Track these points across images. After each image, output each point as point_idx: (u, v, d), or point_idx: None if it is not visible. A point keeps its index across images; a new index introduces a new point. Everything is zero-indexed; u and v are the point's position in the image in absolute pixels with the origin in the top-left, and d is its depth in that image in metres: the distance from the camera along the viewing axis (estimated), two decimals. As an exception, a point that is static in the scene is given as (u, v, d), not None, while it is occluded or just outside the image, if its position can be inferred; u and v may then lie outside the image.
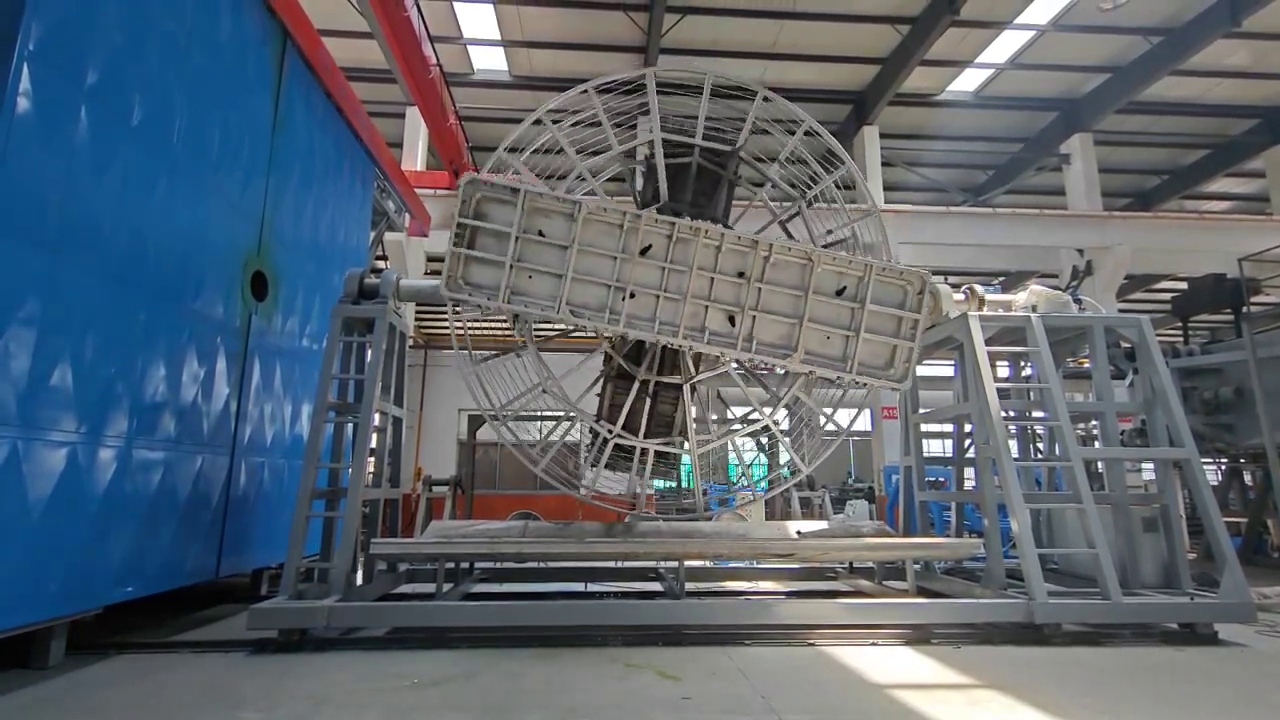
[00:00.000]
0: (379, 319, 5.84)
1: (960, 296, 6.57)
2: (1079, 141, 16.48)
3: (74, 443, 4.16)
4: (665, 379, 5.87)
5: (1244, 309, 9.63)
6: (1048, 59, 14.93)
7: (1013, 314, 6.47)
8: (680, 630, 5.13)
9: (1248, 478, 11.92)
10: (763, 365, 5.55)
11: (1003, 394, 6.43)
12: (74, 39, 4.14)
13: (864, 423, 5.62)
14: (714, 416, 13.21)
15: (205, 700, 3.71)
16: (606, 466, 5.95)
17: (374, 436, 5.89)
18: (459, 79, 14.96)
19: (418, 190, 11.44)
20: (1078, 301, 6.76)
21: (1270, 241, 12.29)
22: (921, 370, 6.13)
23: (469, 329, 5.85)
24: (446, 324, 5.93)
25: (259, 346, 6.35)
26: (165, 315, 5.05)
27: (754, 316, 5.34)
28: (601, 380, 6.19)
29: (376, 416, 5.77)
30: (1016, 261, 18.12)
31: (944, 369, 20.20)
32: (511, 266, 5.22)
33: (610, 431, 5.76)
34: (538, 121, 5.84)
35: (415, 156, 15.10)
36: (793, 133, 6.11)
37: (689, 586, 6.31)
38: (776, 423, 6.10)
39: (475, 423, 10.05)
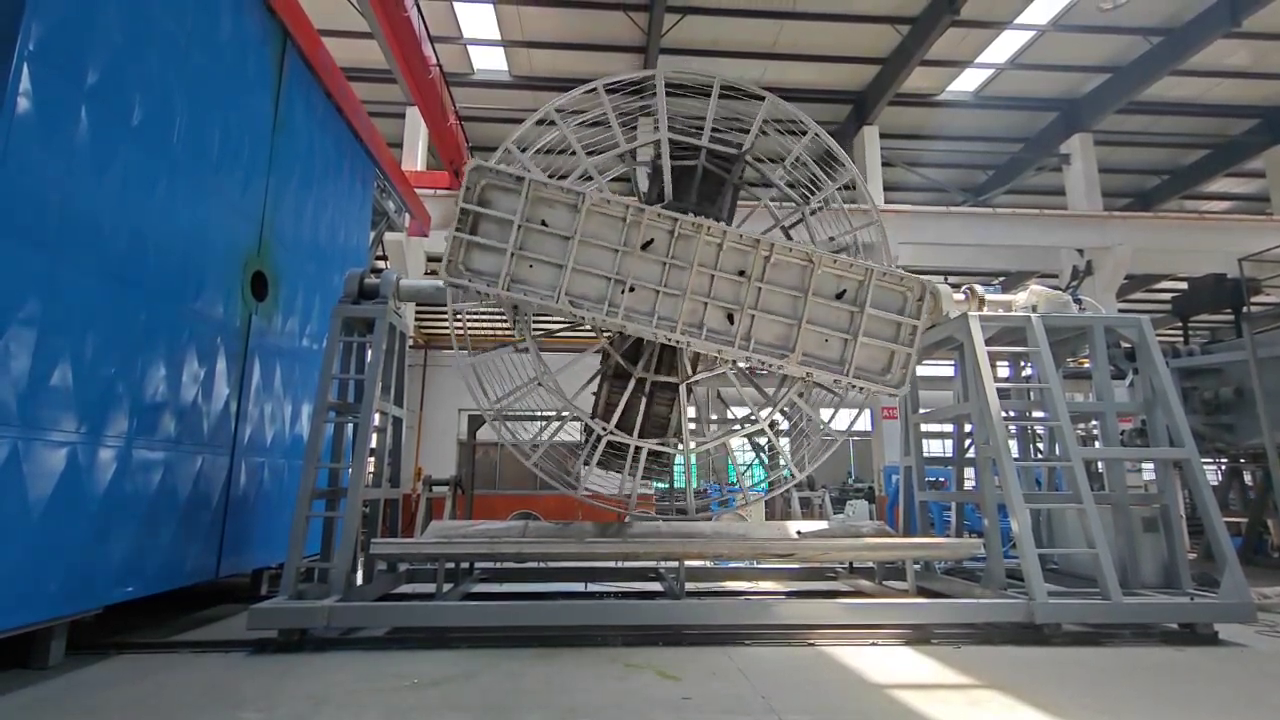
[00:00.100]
0: (379, 319, 5.85)
1: (960, 296, 6.57)
2: (1079, 141, 16.48)
3: (74, 443, 4.16)
4: (662, 378, 5.86)
5: (1244, 309, 9.63)
6: (1048, 59, 14.92)
7: (1013, 314, 6.46)
8: (680, 630, 5.13)
9: (1248, 478, 11.92)
10: (761, 367, 5.54)
11: (1003, 394, 6.43)
12: (74, 39, 4.14)
13: (864, 423, 5.61)
14: (714, 417, 13.22)
15: (205, 700, 3.71)
16: (599, 466, 5.94)
17: (374, 436, 5.89)
18: (459, 79, 14.95)
19: (418, 190, 11.45)
20: (1078, 301, 6.76)
21: (1270, 241, 12.29)
22: (921, 370, 6.14)
23: (469, 329, 5.84)
24: (446, 324, 5.93)
25: (259, 346, 6.35)
26: (165, 315, 5.05)
27: (753, 316, 5.33)
28: (598, 379, 6.19)
29: (376, 416, 5.77)
30: (1016, 261, 18.12)
31: (944, 369, 20.19)
32: (513, 254, 5.22)
33: (604, 429, 5.75)
34: (543, 121, 5.83)
35: (415, 156, 15.10)
36: (795, 134, 6.11)
37: (689, 586, 6.31)
38: (774, 424, 6.10)
39: (475, 423, 10.04)
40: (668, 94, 5.97)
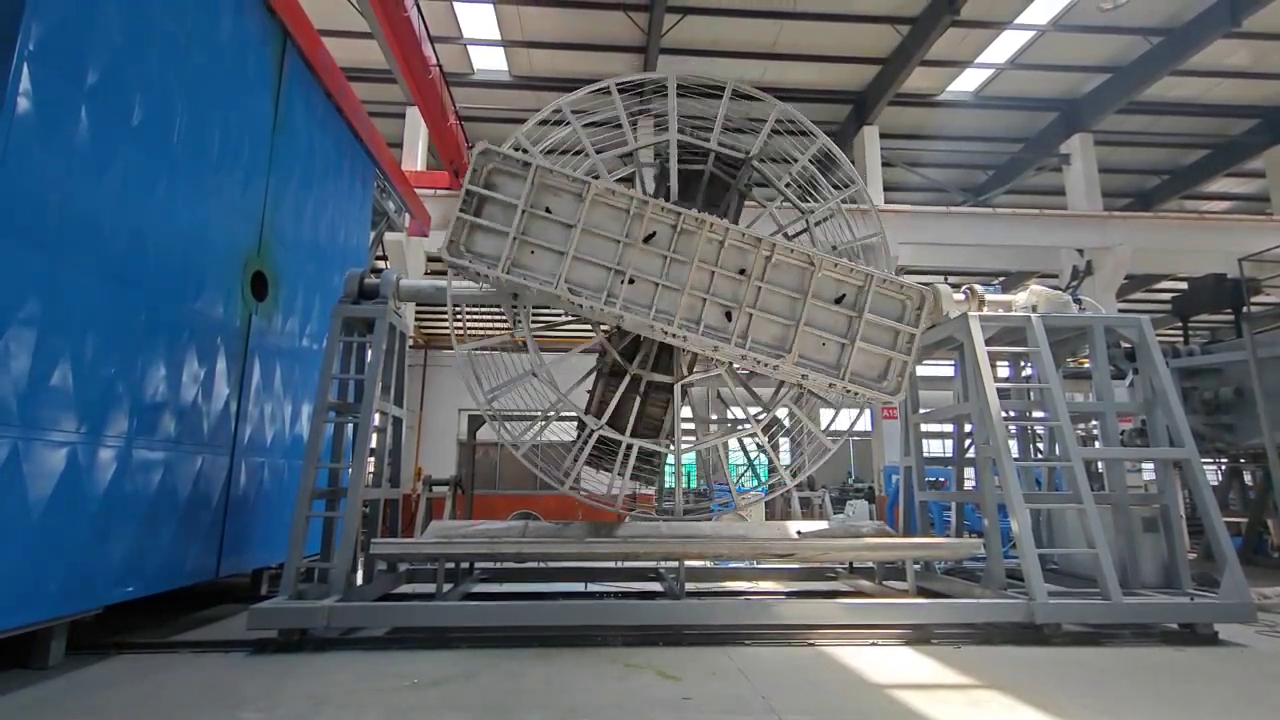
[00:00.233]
0: (379, 319, 5.85)
1: (960, 296, 6.57)
2: (1079, 141, 16.47)
3: (74, 443, 4.16)
4: (657, 377, 5.86)
5: (1244, 309, 9.63)
6: (1048, 59, 14.92)
7: (1013, 314, 6.46)
8: (680, 630, 5.13)
9: (1248, 478, 11.92)
10: (758, 368, 5.52)
11: (1003, 394, 6.43)
12: (74, 39, 4.14)
13: (864, 423, 5.59)
14: (714, 417, 13.21)
15: (205, 700, 3.71)
16: (590, 464, 5.93)
17: (374, 436, 5.89)
18: (459, 79, 14.95)
19: (418, 190, 11.45)
20: (1078, 301, 6.76)
21: (1270, 241, 12.29)
22: (921, 370, 6.13)
23: (468, 327, 5.84)
24: (446, 324, 5.93)
25: (259, 346, 6.35)
26: (165, 315, 5.05)
27: (751, 315, 5.33)
28: (594, 376, 6.19)
29: (376, 416, 5.77)
30: (1016, 261, 18.11)
31: (944, 369, 20.20)
32: (515, 239, 5.22)
33: (597, 425, 5.75)
34: (546, 121, 5.83)
35: (415, 156, 15.10)
36: (795, 134, 6.11)
37: (689, 587, 6.31)
38: (773, 423, 6.09)
39: (475, 423, 10.04)
40: (661, 94, 5.98)
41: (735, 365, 5.78)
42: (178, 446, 5.20)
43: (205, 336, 5.54)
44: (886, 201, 16.39)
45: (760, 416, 6.04)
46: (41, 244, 3.94)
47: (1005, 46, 14.64)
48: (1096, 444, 8.46)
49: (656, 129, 6.16)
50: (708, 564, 7.97)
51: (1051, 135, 17.06)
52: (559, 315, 6.33)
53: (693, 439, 6.53)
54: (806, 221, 6.19)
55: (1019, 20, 13.70)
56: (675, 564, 6.15)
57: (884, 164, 16.54)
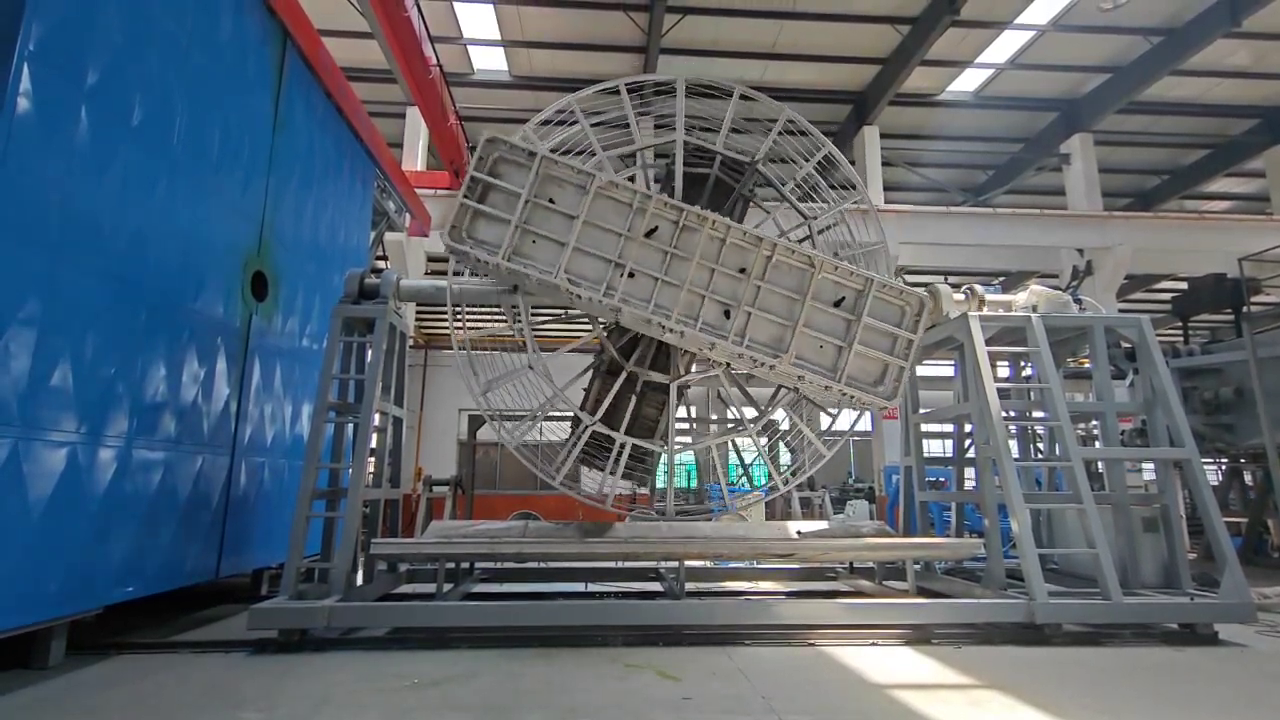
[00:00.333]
0: (379, 319, 5.85)
1: (960, 296, 6.57)
2: (1079, 141, 16.47)
3: (74, 443, 4.16)
4: (653, 376, 5.86)
5: (1244, 309, 9.63)
6: (1048, 59, 14.91)
7: (1013, 314, 6.46)
8: (680, 630, 5.13)
9: (1248, 478, 11.92)
10: (754, 369, 5.51)
11: (1003, 394, 6.43)
12: (74, 39, 4.14)
13: (864, 423, 5.60)
14: (714, 417, 13.21)
15: (205, 700, 3.71)
16: (581, 462, 5.93)
17: (374, 436, 5.89)
18: (459, 79, 14.94)
19: (418, 190, 11.44)
20: (1078, 301, 6.75)
21: (1270, 241, 12.29)
22: (921, 370, 6.13)
23: (468, 328, 5.84)
24: (446, 324, 5.93)
25: (259, 346, 6.35)
26: (165, 315, 5.05)
27: (750, 314, 5.33)
28: (591, 373, 6.19)
29: (376, 416, 5.77)
30: (1016, 261, 18.11)
31: (944, 369, 20.20)
32: (517, 227, 5.22)
33: (591, 420, 5.74)
34: (548, 122, 5.83)
35: (415, 156, 15.09)
36: (795, 134, 6.11)
37: (689, 586, 6.31)
38: (772, 425, 6.09)
39: (475, 423, 10.04)
40: (660, 94, 5.99)
41: (732, 366, 5.77)
42: (178, 446, 5.20)
43: (205, 336, 5.54)
44: (886, 201, 16.38)
45: (755, 419, 6.04)
46: (41, 244, 3.94)
47: (1005, 46, 14.64)
48: (1097, 444, 8.47)
49: (657, 131, 6.16)
50: (708, 564, 7.97)
51: (1051, 135, 17.06)
52: (559, 313, 6.33)
53: (688, 439, 6.52)
54: (809, 228, 6.19)
55: (1019, 20, 13.69)
56: (675, 564, 6.15)
57: (884, 164, 16.53)
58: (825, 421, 6.29)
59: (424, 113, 11.17)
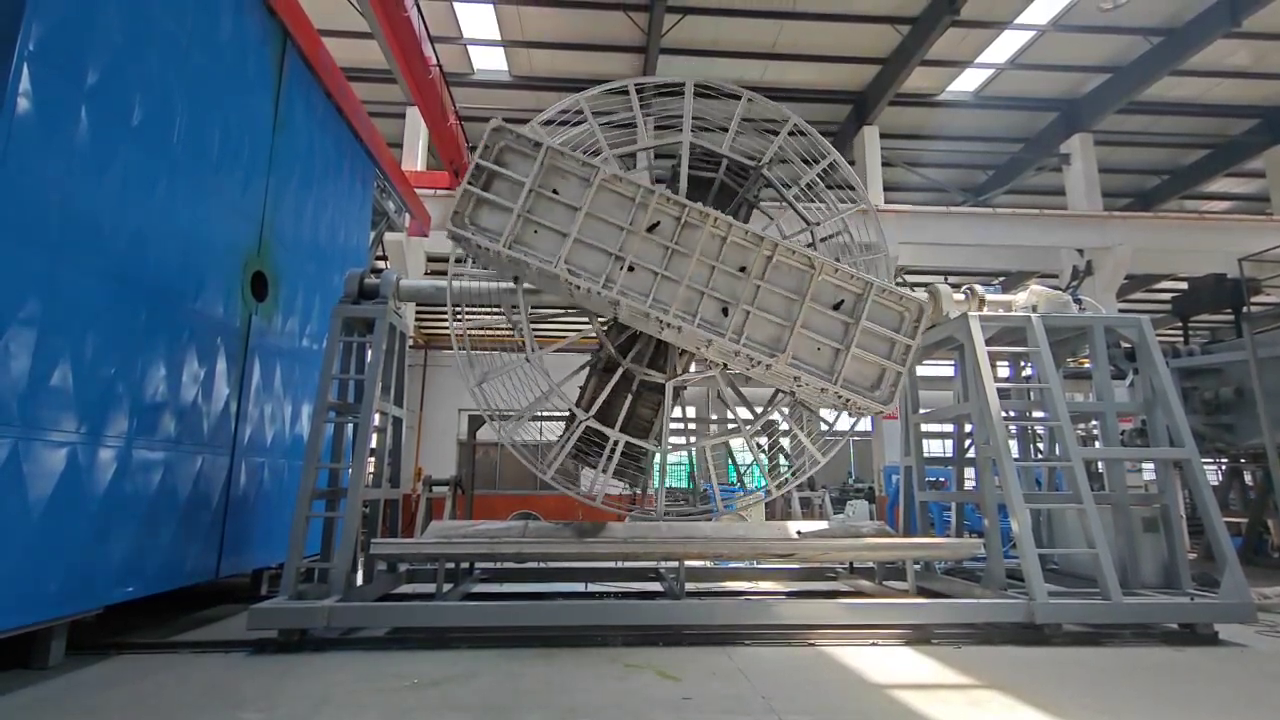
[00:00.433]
0: (379, 319, 5.85)
1: (960, 296, 6.57)
2: (1079, 141, 16.47)
3: (74, 443, 4.16)
4: (649, 374, 5.86)
5: (1244, 309, 9.63)
6: (1048, 59, 14.91)
7: (1013, 314, 6.46)
8: (680, 630, 5.13)
9: (1248, 478, 11.91)
10: (750, 363, 5.50)
11: (1003, 394, 6.43)
12: (74, 39, 4.14)
13: (864, 423, 5.61)
14: (714, 417, 13.21)
15: (205, 700, 3.71)
16: (574, 459, 5.93)
17: (374, 436, 5.89)
18: (459, 79, 14.94)
19: (418, 190, 11.44)
20: (1078, 301, 6.76)
21: (1270, 241, 12.29)
22: (921, 370, 6.12)
23: (468, 329, 5.84)
24: (446, 324, 5.93)
25: (259, 346, 6.35)
26: (165, 315, 5.05)
27: (748, 312, 5.33)
28: (588, 370, 6.19)
29: (376, 416, 5.77)
30: (1016, 261, 18.11)
31: (944, 369, 20.20)
32: (520, 216, 5.23)
33: (585, 416, 5.74)
34: (550, 122, 5.83)
35: (415, 156, 15.10)
36: (794, 134, 6.11)
37: (689, 586, 6.30)
38: (767, 428, 6.08)
39: (475, 423, 10.04)
40: (664, 95, 5.99)
41: (729, 367, 5.77)
42: (178, 447, 5.20)
43: (205, 336, 5.54)
44: (886, 201, 16.39)
45: (750, 422, 6.04)
46: (41, 244, 3.94)
47: (1005, 46, 14.64)
48: (1096, 444, 8.46)
49: (659, 132, 6.17)
50: (708, 564, 7.97)
51: (1051, 135, 17.06)
52: (559, 313, 6.33)
53: (682, 439, 6.52)
54: (812, 234, 6.20)
55: (1019, 20, 13.70)
56: (675, 564, 6.15)
57: (884, 164, 16.54)
58: (823, 426, 6.28)
59: (424, 113, 11.17)
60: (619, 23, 13.86)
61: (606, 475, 5.70)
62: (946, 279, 18.29)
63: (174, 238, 5.12)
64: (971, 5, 12.74)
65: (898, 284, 6.40)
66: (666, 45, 14.29)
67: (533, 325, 5.86)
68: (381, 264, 12.99)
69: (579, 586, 6.74)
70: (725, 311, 5.36)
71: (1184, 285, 14.12)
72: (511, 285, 5.92)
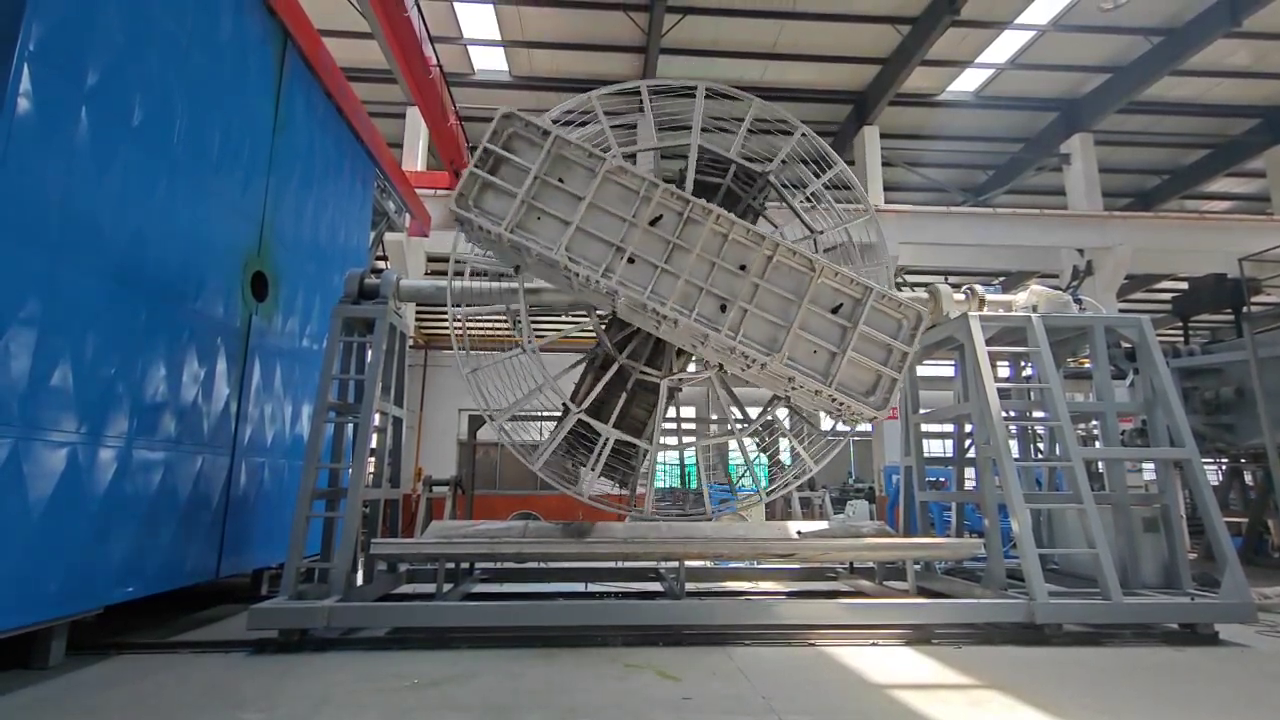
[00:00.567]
0: (379, 319, 5.85)
1: (960, 296, 6.56)
2: (1079, 141, 16.47)
3: (74, 443, 4.16)
4: (645, 371, 5.86)
5: (1244, 309, 9.64)
6: (1048, 59, 14.92)
7: (1013, 314, 6.46)
8: (680, 630, 5.13)
9: (1248, 478, 11.91)
10: (745, 361, 5.50)
11: (1003, 394, 6.42)
12: (74, 39, 4.14)
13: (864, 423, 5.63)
14: (714, 417, 13.19)
15: (205, 700, 3.71)
16: (565, 455, 5.93)
17: (374, 437, 5.89)
18: (459, 79, 14.95)
19: (418, 190, 11.45)
20: (1078, 301, 6.75)
21: (1270, 241, 12.28)
22: (921, 370, 6.12)
23: (469, 329, 5.85)
24: (446, 324, 5.94)
25: (259, 347, 6.35)
26: (165, 315, 5.05)
27: (746, 310, 5.33)
28: (584, 367, 6.19)
29: (376, 416, 5.77)
30: (1017, 261, 18.11)
31: (944, 369, 20.20)
32: (524, 202, 5.24)
33: (577, 409, 5.74)
34: (570, 118, 5.84)
35: (415, 156, 15.10)
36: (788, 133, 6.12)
37: (689, 586, 6.31)
38: (772, 424, 6.08)
39: (475, 423, 10.04)
40: (659, 99, 6.01)
41: (724, 367, 5.77)
42: (178, 447, 5.20)
43: (205, 337, 5.54)
44: (886, 201, 16.39)
45: (744, 422, 6.04)
46: (41, 244, 3.94)
47: (1005, 46, 14.64)
48: (1097, 444, 8.46)
49: (661, 134, 6.18)
50: (708, 564, 7.97)
51: (1051, 135, 17.07)
52: (557, 314, 6.33)
53: (675, 439, 6.53)
54: (815, 242, 6.20)
55: (1019, 20, 13.70)
56: (675, 564, 6.14)
57: (884, 164, 16.55)
58: (822, 428, 6.29)
59: (424, 113, 11.17)
60: (619, 23, 13.86)
61: (595, 473, 5.71)
62: (947, 279, 18.27)
63: (174, 238, 5.12)
64: (971, 5, 12.74)
65: (898, 285, 6.41)
66: (666, 45, 14.29)
67: (532, 323, 5.87)
68: (381, 264, 12.99)
69: (579, 586, 6.74)
70: (723, 309, 5.36)
71: (1184, 285, 14.12)
72: (512, 285, 5.92)
